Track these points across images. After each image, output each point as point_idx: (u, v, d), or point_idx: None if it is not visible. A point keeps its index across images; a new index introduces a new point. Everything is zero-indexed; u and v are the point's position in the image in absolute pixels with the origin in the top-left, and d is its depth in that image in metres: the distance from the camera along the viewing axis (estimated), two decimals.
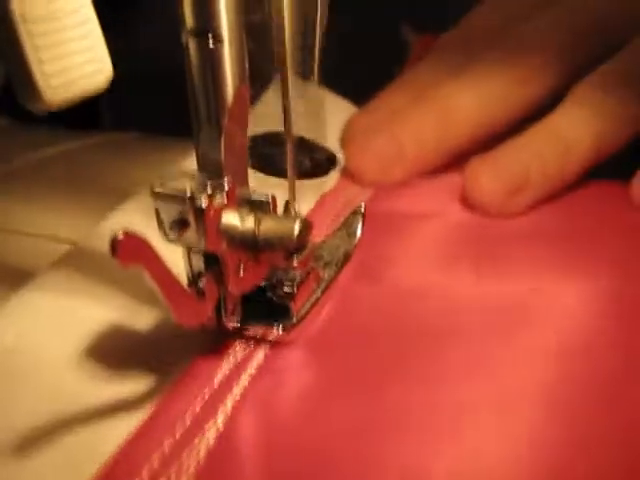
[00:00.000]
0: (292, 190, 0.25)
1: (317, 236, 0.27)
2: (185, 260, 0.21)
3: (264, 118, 0.33)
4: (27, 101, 0.19)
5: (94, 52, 0.20)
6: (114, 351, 0.22)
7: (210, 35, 0.20)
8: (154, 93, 0.55)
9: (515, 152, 0.31)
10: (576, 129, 0.30)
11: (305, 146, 0.34)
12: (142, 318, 0.24)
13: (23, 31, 0.18)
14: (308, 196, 0.31)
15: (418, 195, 0.31)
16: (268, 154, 0.33)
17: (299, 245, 0.21)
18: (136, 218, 0.26)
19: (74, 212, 0.34)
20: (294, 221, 0.20)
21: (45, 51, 0.19)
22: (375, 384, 0.21)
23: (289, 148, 0.24)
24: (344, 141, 0.34)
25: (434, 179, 0.33)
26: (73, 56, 0.19)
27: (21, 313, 0.23)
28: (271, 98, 0.37)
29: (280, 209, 0.23)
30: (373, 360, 0.22)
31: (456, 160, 0.33)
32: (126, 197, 0.31)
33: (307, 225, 0.21)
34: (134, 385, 0.21)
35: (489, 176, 0.30)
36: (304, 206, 0.30)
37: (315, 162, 0.33)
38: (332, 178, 0.33)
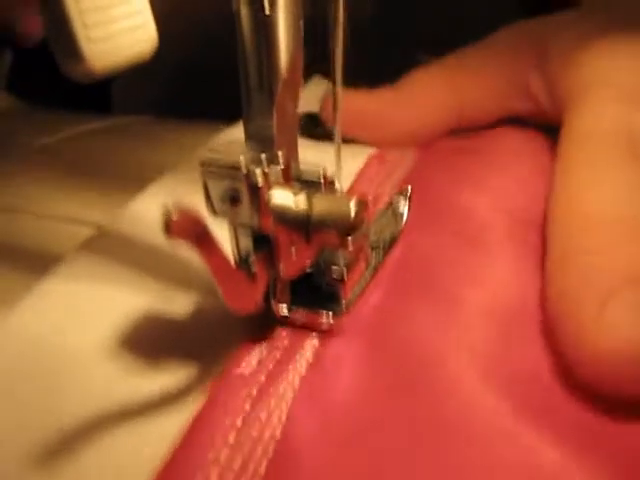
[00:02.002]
0: (339, 163, 0.23)
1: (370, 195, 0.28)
2: (232, 241, 0.20)
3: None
4: (69, 68, 0.18)
5: (140, 18, 0.19)
6: (149, 341, 0.21)
7: (266, 1, 0.18)
8: (167, 78, 0.54)
9: None
10: None
11: None
12: (175, 304, 0.22)
13: None
14: (357, 157, 0.31)
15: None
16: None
17: (355, 225, 0.19)
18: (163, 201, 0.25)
19: (94, 195, 0.33)
20: (350, 200, 0.19)
21: (90, 15, 0.17)
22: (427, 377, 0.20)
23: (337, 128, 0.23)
24: None
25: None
26: (118, 22, 0.18)
27: (47, 302, 0.22)
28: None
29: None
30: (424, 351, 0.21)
31: None
32: (146, 179, 0.29)
33: (363, 204, 0.20)
34: (172, 378, 0.20)
35: None
36: (354, 164, 0.31)
37: None
38: None
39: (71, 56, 0.18)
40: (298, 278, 0.21)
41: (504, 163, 0.30)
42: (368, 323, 0.22)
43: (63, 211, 0.31)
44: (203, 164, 0.19)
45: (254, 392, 0.19)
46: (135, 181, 0.31)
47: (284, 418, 0.18)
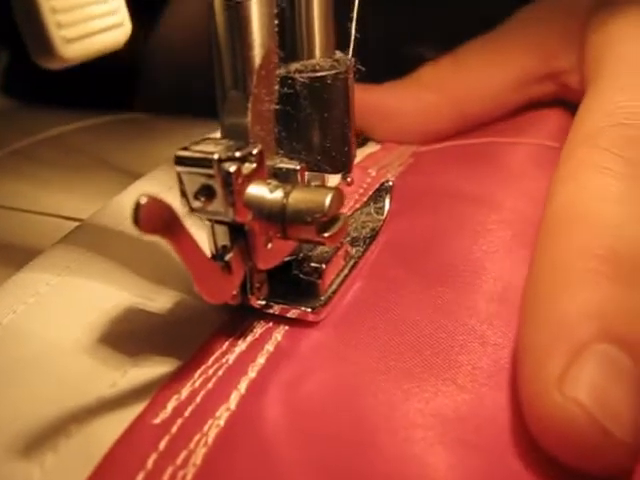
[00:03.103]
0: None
1: (345, 208, 0.26)
2: (209, 233, 0.20)
3: None
4: (39, 56, 0.18)
5: (113, 4, 0.19)
6: (125, 334, 0.21)
7: None
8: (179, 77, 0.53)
9: None
10: None
11: None
12: (154, 298, 0.22)
13: None
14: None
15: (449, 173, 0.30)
16: None
17: (330, 217, 0.19)
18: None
19: (81, 191, 0.33)
20: (326, 191, 0.19)
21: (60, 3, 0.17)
22: (401, 371, 0.19)
23: None
24: None
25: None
26: (90, 7, 0.18)
27: (22, 293, 0.22)
28: None
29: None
30: (400, 345, 0.20)
31: None
32: (136, 176, 0.29)
33: (339, 197, 0.19)
34: (147, 371, 0.20)
35: None
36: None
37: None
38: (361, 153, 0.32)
39: (39, 44, 0.17)
40: (276, 271, 0.21)
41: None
42: (345, 315, 0.21)
43: (51, 207, 0.31)
44: (178, 161, 0.18)
45: (217, 374, 0.19)
46: (125, 178, 0.31)
47: (236, 402, 0.18)
